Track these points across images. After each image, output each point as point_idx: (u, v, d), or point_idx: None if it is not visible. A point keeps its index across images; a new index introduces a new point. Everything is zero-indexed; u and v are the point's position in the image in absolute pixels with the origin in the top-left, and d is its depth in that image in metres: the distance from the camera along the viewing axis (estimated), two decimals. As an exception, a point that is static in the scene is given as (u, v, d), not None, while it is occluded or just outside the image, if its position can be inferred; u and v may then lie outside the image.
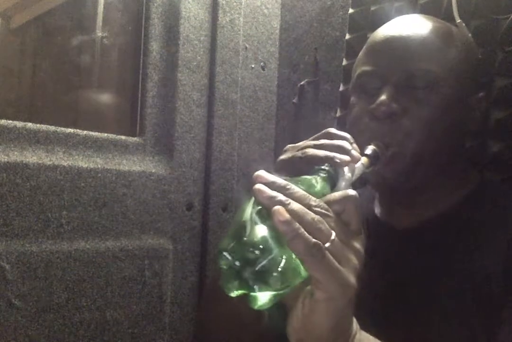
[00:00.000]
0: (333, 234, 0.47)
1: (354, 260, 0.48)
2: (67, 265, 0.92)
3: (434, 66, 0.70)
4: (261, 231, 0.45)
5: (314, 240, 0.45)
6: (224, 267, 0.45)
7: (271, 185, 0.48)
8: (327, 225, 0.47)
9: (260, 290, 0.44)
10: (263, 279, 0.43)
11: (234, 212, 1.21)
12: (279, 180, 0.48)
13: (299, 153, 0.62)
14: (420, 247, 0.74)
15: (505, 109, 0.87)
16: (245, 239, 0.44)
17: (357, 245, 0.49)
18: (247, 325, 0.70)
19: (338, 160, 0.57)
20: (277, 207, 0.45)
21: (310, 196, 0.48)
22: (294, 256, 0.45)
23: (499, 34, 0.88)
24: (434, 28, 0.74)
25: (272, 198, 0.46)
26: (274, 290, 0.44)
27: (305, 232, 0.45)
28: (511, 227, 0.69)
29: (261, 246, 0.44)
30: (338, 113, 1.12)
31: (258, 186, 0.47)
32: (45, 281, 0.89)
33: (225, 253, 0.45)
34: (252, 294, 0.45)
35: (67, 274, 0.92)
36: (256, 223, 0.45)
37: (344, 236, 0.48)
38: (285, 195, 0.47)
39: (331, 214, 0.48)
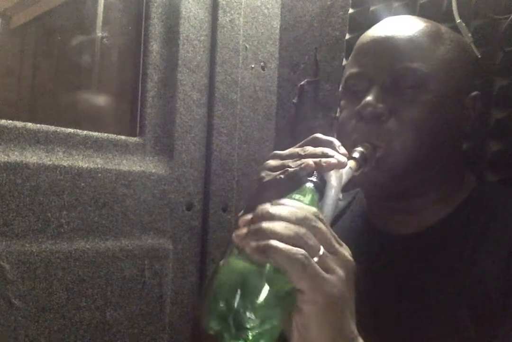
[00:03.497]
0: (322, 248, 0.46)
1: (340, 270, 0.47)
2: (67, 265, 0.92)
3: (422, 64, 0.69)
4: (263, 296, 0.44)
5: (296, 250, 0.44)
6: (216, 311, 0.44)
7: (253, 220, 0.48)
8: (314, 239, 0.46)
9: None
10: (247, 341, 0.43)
11: (234, 212, 1.21)
12: (259, 210, 0.48)
13: (279, 174, 0.61)
14: (417, 254, 0.72)
15: (505, 109, 0.87)
16: (246, 301, 0.43)
17: (347, 254, 0.49)
18: None
19: (324, 164, 0.57)
20: (243, 240, 0.46)
21: (297, 211, 0.47)
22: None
23: (499, 34, 0.88)
24: (422, 27, 0.72)
25: (247, 237, 0.46)
26: None
27: (286, 245, 0.44)
28: (510, 233, 0.67)
29: (261, 314, 0.43)
30: (338, 113, 1.12)
31: (234, 234, 0.48)
32: (45, 281, 0.89)
33: (221, 304, 0.44)
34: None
35: (67, 274, 0.92)
36: (258, 286, 0.45)
37: (333, 247, 0.48)
38: (268, 219, 0.47)
39: (319, 225, 0.48)
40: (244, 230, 0.47)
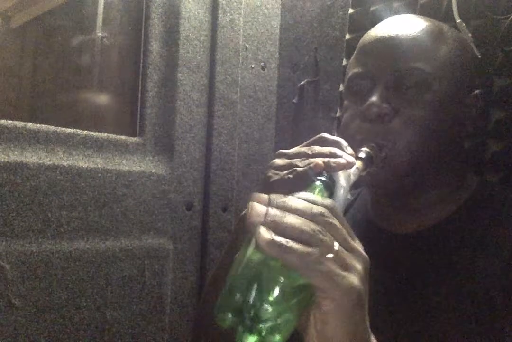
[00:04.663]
0: (336, 244, 0.46)
1: (358, 265, 0.47)
2: (67, 265, 0.92)
3: (425, 64, 0.69)
4: (280, 289, 0.43)
5: (310, 250, 0.44)
6: (231, 304, 0.44)
7: (269, 210, 0.47)
8: (329, 235, 0.46)
9: (252, 337, 0.43)
10: (262, 335, 0.43)
11: (234, 212, 1.21)
12: (278, 198, 0.47)
13: (287, 174, 0.61)
14: (418, 253, 0.72)
15: (505, 109, 0.87)
16: (262, 293, 0.43)
17: (360, 249, 0.49)
18: None
19: (333, 165, 0.56)
20: (259, 232, 0.44)
21: (313, 206, 0.47)
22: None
23: (499, 34, 0.88)
24: (424, 26, 0.72)
25: (262, 217, 0.45)
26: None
27: (297, 244, 0.44)
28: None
29: (277, 308, 0.43)
30: (338, 113, 1.12)
31: (249, 220, 0.46)
32: (45, 281, 0.89)
33: (237, 296, 0.43)
34: (241, 334, 0.43)
35: (67, 274, 0.92)
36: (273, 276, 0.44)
37: (348, 243, 0.48)
38: (283, 210, 0.46)
39: (334, 220, 0.47)
40: (259, 218, 0.46)
